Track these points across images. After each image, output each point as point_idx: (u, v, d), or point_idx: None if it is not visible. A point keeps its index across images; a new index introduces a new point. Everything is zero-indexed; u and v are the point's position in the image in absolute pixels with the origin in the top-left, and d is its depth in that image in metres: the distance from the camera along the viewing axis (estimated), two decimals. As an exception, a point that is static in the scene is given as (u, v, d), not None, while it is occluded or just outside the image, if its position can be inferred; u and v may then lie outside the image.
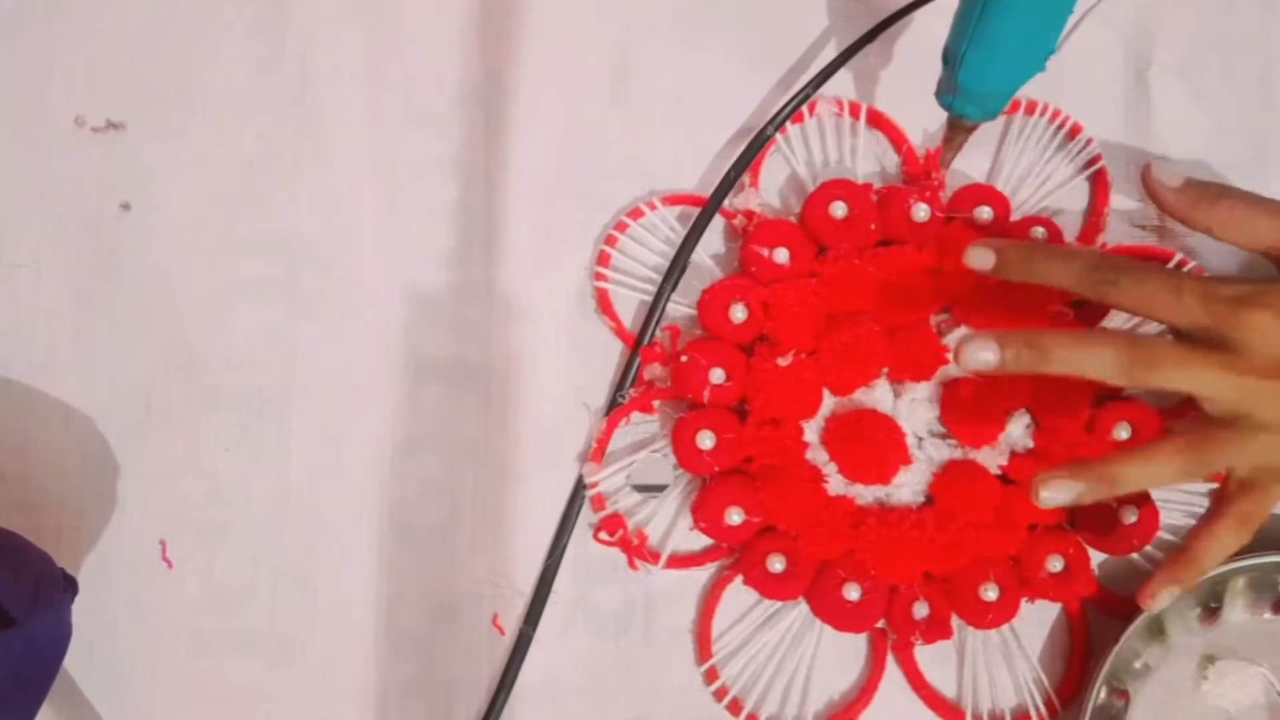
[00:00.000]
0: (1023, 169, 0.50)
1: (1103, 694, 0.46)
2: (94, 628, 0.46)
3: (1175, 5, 0.50)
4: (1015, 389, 0.46)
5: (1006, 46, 0.40)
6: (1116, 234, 0.49)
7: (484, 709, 0.47)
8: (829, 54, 0.49)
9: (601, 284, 0.49)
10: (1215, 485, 0.47)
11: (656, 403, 0.48)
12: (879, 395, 0.47)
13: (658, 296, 0.48)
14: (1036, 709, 0.47)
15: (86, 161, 0.49)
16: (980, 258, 0.43)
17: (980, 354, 0.40)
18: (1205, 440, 0.41)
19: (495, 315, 0.49)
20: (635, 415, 0.48)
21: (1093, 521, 0.46)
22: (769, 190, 0.49)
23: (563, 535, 0.47)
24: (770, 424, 0.46)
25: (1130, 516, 0.46)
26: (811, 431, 0.47)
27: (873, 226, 0.47)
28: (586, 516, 0.48)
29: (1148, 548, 0.47)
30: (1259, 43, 0.50)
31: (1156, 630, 0.47)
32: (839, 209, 0.47)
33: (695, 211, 0.48)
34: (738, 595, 0.48)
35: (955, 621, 0.47)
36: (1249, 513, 0.42)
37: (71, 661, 0.44)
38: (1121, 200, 0.49)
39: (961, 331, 0.47)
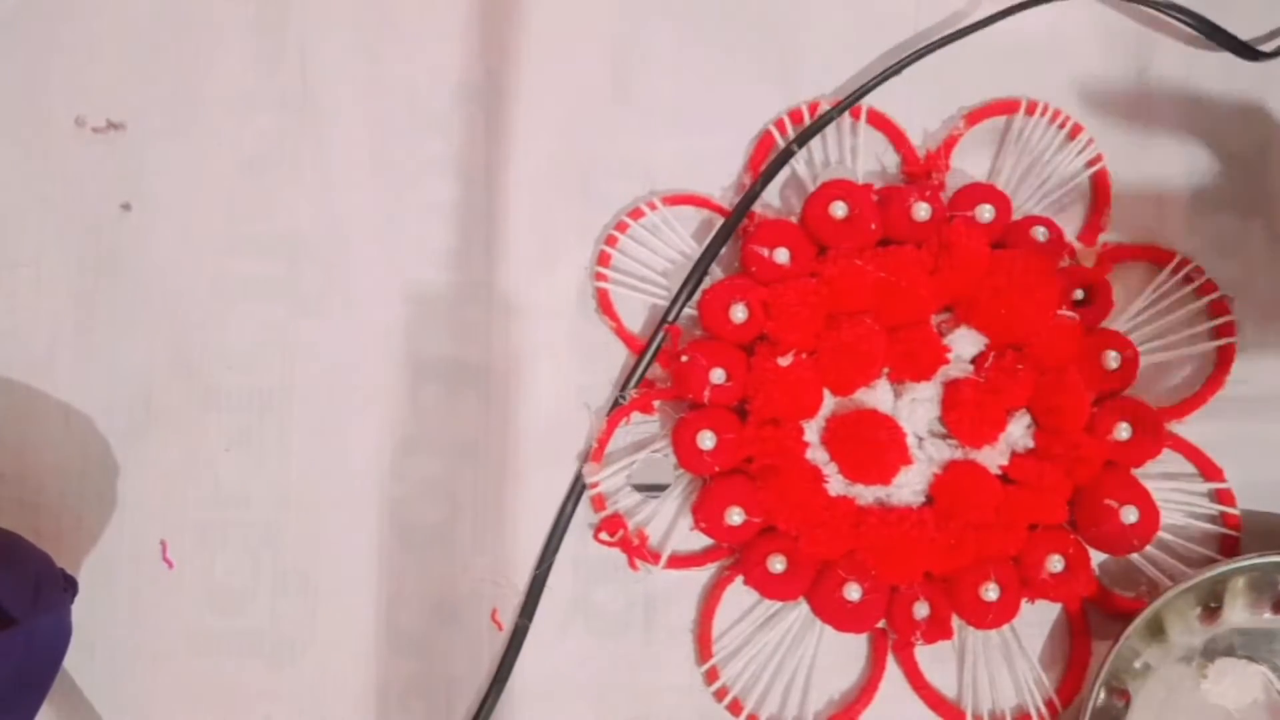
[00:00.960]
0: (1023, 169, 0.50)
1: (1102, 695, 0.46)
2: (94, 628, 0.46)
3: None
4: (1016, 389, 0.46)
5: None
6: (1117, 233, 0.49)
7: (480, 706, 0.47)
8: (829, 53, 0.50)
9: (602, 284, 0.49)
10: (1216, 485, 0.48)
11: (657, 403, 0.48)
12: (879, 395, 0.47)
13: (673, 303, 0.48)
14: (1037, 709, 0.47)
15: (86, 161, 0.49)
16: None
17: None
18: None
19: (495, 315, 0.49)
20: (636, 415, 0.48)
21: (1093, 521, 0.46)
22: (769, 190, 0.49)
23: (556, 532, 0.47)
24: (770, 424, 0.46)
25: (1130, 516, 0.46)
26: (812, 431, 0.47)
27: (873, 226, 0.47)
28: (588, 516, 0.48)
29: (1148, 548, 0.47)
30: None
31: (1157, 630, 0.46)
32: (839, 209, 0.47)
33: (695, 211, 0.48)
34: (738, 595, 0.48)
35: (956, 622, 0.46)
36: None
37: (71, 661, 0.44)
38: (1123, 200, 0.49)
39: (962, 332, 0.47)
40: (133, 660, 0.47)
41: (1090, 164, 0.49)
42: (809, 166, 0.49)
